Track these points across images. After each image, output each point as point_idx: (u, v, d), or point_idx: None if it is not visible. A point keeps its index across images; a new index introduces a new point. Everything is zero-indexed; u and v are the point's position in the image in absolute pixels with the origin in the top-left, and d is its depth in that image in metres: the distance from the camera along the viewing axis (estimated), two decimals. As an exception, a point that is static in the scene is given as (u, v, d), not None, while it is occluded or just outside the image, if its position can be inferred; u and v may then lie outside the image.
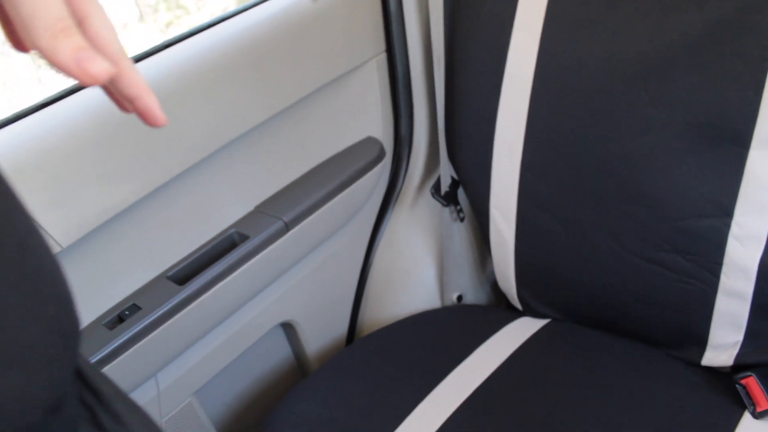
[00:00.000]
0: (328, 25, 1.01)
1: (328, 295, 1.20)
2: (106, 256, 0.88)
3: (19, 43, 0.38)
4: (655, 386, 0.94)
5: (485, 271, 1.30)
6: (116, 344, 0.86)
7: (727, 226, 0.84)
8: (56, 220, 0.79)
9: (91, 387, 0.42)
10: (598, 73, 0.88)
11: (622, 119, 0.88)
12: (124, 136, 0.83)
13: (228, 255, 0.95)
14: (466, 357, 1.02)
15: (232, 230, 0.99)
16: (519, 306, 1.14)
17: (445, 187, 1.16)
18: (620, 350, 1.01)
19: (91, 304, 0.88)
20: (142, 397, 0.95)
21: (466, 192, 1.14)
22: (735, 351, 0.93)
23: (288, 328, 1.18)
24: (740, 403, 0.90)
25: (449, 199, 1.17)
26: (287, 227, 1.00)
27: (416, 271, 1.23)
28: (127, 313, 0.89)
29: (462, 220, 1.20)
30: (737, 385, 0.90)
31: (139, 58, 0.89)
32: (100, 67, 0.33)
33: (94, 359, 0.84)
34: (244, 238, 0.98)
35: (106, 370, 0.86)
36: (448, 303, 1.25)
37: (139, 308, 0.89)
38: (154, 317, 0.88)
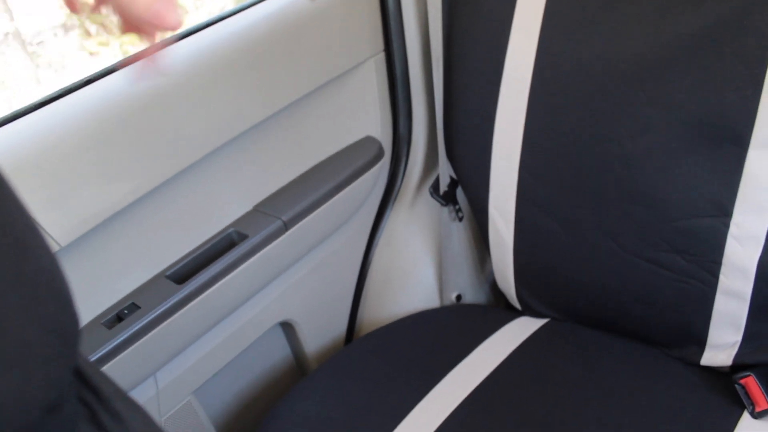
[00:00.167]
0: (326, 25, 1.01)
1: (327, 294, 1.20)
2: (104, 255, 0.88)
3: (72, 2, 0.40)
4: (654, 386, 0.95)
5: (484, 270, 1.30)
6: (115, 343, 0.86)
7: (726, 226, 0.84)
8: (55, 219, 0.79)
9: (90, 386, 0.42)
10: (596, 74, 0.88)
11: (621, 119, 0.88)
12: (122, 135, 0.83)
13: (227, 254, 0.95)
14: (465, 357, 1.02)
15: (231, 229, 0.99)
16: (518, 306, 1.14)
17: (443, 187, 1.16)
18: (619, 350, 1.01)
19: (90, 303, 0.88)
20: (141, 396, 0.95)
21: (465, 191, 1.14)
22: (734, 351, 0.93)
23: (287, 327, 1.18)
24: (739, 403, 0.90)
25: (448, 198, 1.17)
26: (286, 226, 1.00)
27: (415, 270, 1.23)
28: (126, 312, 0.89)
29: (461, 219, 1.20)
30: (736, 385, 0.90)
31: (137, 58, 0.89)
32: (174, 19, 0.35)
33: (93, 358, 0.84)
34: (243, 237, 0.98)
35: (105, 369, 0.86)
36: (447, 302, 1.25)
37: (138, 307, 0.89)
38: (153, 316, 0.88)
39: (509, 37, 0.95)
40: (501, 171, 1.01)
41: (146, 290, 0.92)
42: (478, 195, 1.07)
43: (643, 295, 0.96)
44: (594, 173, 0.92)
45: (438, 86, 1.06)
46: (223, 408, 1.14)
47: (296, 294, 1.13)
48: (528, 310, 1.13)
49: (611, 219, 0.93)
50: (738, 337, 0.91)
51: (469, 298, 1.27)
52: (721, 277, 0.87)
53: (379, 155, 1.13)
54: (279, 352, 1.21)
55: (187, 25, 0.96)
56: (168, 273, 0.94)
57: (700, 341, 0.95)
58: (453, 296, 1.24)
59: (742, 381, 0.89)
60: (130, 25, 0.39)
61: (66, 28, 1.53)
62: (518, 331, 1.07)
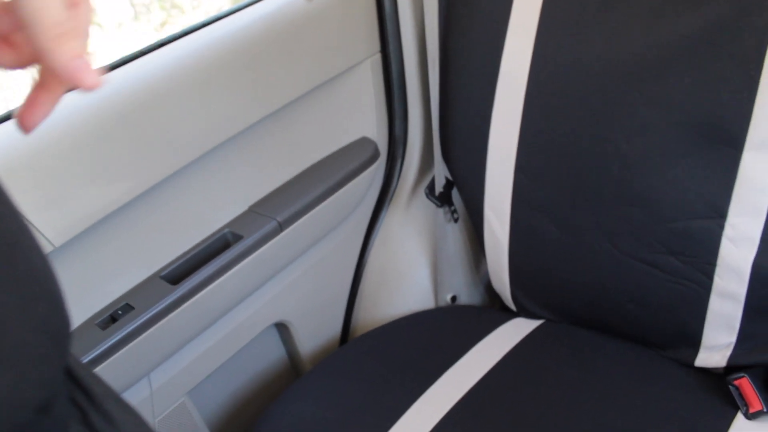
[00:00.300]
0: (322, 25, 1.01)
1: (322, 295, 1.20)
2: (99, 256, 0.88)
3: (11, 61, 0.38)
4: (649, 387, 0.95)
5: (479, 271, 1.30)
6: (109, 344, 0.85)
7: (721, 227, 0.85)
8: (49, 220, 0.79)
9: (82, 387, 0.42)
10: (592, 74, 0.88)
11: (617, 120, 0.88)
12: (117, 135, 0.83)
13: (221, 255, 0.95)
14: (459, 358, 1.02)
15: (226, 230, 0.99)
16: (513, 307, 1.14)
17: (439, 188, 1.16)
18: (614, 351, 1.01)
19: (83, 303, 0.88)
20: (134, 396, 0.95)
21: (461, 193, 1.14)
22: (728, 352, 0.93)
23: (282, 328, 1.18)
24: (733, 404, 0.90)
25: (443, 199, 1.17)
26: (281, 227, 1.00)
27: (410, 271, 1.23)
28: (120, 312, 0.89)
29: (456, 220, 1.20)
30: (730, 386, 0.90)
31: (133, 57, 0.89)
32: (93, 78, 0.34)
33: (86, 359, 0.84)
34: (238, 238, 0.98)
35: (99, 369, 0.86)
36: (442, 304, 1.25)
37: (132, 308, 0.89)
38: (147, 317, 0.88)
39: (505, 38, 0.95)
40: (496, 172, 1.01)
41: (140, 291, 0.91)
42: (474, 196, 1.07)
43: (638, 296, 0.96)
44: (590, 174, 0.92)
45: (434, 87, 1.06)
46: (218, 409, 1.14)
47: (291, 295, 1.12)
48: (523, 311, 1.13)
49: (607, 220, 0.93)
50: (732, 338, 0.91)
51: (464, 299, 1.27)
52: (716, 279, 0.88)
53: (375, 156, 1.13)
54: (273, 353, 1.21)
55: (184, 25, 0.96)
56: (162, 274, 0.93)
57: (694, 342, 0.95)
58: (448, 297, 1.24)
59: (736, 382, 0.90)
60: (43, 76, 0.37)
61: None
62: (513, 332, 1.07)
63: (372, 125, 1.14)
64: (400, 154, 1.20)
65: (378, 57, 1.11)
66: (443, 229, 1.20)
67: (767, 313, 0.88)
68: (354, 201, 1.14)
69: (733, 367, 0.93)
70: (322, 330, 1.23)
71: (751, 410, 0.88)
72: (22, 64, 0.37)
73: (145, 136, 0.86)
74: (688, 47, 0.81)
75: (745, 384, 0.89)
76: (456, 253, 1.23)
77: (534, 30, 0.92)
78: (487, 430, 0.91)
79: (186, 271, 0.94)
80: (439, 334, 1.10)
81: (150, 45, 0.91)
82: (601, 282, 0.98)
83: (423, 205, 1.22)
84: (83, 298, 0.88)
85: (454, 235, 1.22)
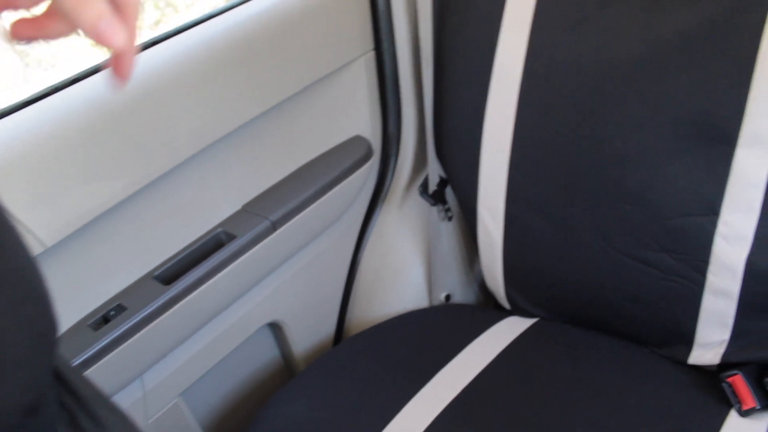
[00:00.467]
0: (316, 23, 1.01)
1: (316, 294, 1.20)
2: (91, 256, 0.87)
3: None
4: (643, 385, 0.95)
5: (473, 270, 1.30)
6: (101, 345, 0.85)
7: (714, 224, 0.85)
8: (41, 219, 0.78)
9: (70, 389, 0.41)
10: (587, 72, 0.88)
11: (612, 118, 0.88)
12: (109, 134, 0.83)
13: (215, 254, 0.95)
14: (453, 357, 1.02)
15: (219, 229, 0.99)
16: (507, 305, 1.14)
17: (433, 186, 1.15)
18: (608, 349, 1.01)
19: (76, 304, 0.88)
20: (127, 398, 0.94)
21: (455, 191, 1.14)
22: (721, 349, 0.93)
23: (275, 328, 1.18)
24: (726, 402, 0.90)
25: (437, 198, 1.16)
26: (274, 227, 1.00)
27: (404, 270, 1.23)
28: (112, 313, 0.88)
29: (450, 219, 1.19)
30: (723, 384, 0.90)
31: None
32: (118, 38, 0.34)
33: (78, 360, 0.84)
34: (231, 237, 0.97)
35: (91, 371, 0.85)
36: (436, 302, 1.25)
37: (124, 308, 0.89)
38: (139, 317, 0.88)
39: (499, 36, 0.95)
40: (490, 170, 1.01)
41: (133, 291, 0.91)
42: (468, 194, 1.07)
43: (632, 294, 0.96)
44: (585, 172, 0.92)
45: (428, 85, 1.06)
46: (211, 410, 1.13)
47: (285, 294, 1.12)
48: (517, 310, 1.13)
49: (601, 218, 0.93)
50: (726, 335, 0.91)
51: (458, 297, 1.27)
52: (709, 276, 0.88)
53: (369, 155, 1.13)
54: (267, 353, 1.21)
55: (178, 24, 0.96)
56: (155, 274, 0.93)
57: (688, 340, 0.95)
58: (442, 296, 1.24)
59: (729, 379, 0.90)
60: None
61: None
62: (507, 330, 1.07)
63: (365, 123, 1.14)
64: (394, 152, 1.19)
65: (372, 55, 1.11)
66: (437, 227, 1.19)
67: (760, 311, 0.88)
68: (347, 200, 1.14)
69: (726, 365, 0.93)
70: (315, 329, 1.23)
71: (745, 407, 0.88)
72: (67, 33, 0.37)
73: (137, 134, 0.85)
74: (683, 45, 0.81)
75: (739, 381, 0.89)
76: (450, 251, 1.23)
77: (528, 27, 0.92)
78: (481, 429, 0.91)
79: (179, 271, 0.94)
80: (433, 333, 1.10)
81: (142, 43, 0.91)
82: (595, 280, 0.98)
83: (417, 203, 1.22)
84: (75, 299, 0.88)
85: (448, 233, 1.22)
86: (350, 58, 1.08)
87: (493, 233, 1.05)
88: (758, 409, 0.87)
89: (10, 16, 0.38)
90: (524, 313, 1.12)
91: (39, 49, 1.51)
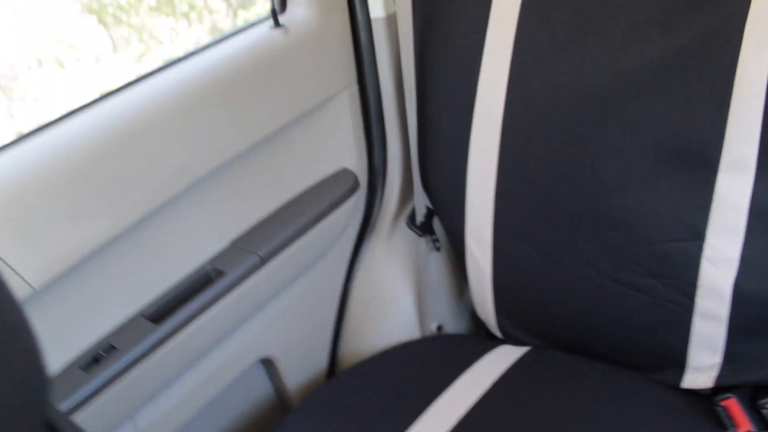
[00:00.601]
0: (298, 58, 1.02)
1: (307, 328, 1.19)
2: (79, 296, 0.87)
3: None
4: (637, 411, 0.94)
5: (463, 299, 1.30)
6: (92, 386, 0.84)
7: (700, 248, 0.85)
8: (27, 261, 0.78)
9: None
10: (566, 100, 0.89)
11: (592, 145, 0.88)
12: (95, 173, 0.83)
13: (204, 291, 0.95)
14: (447, 388, 1.02)
15: (208, 266, 0.98)
16: (499, 334, 1.14)
17: (420, 217, 1.16)
18: (601, 375, 1.01)
19: (65, 345, 0.87)
20: (120, 439, 0.93)
21: (442, 221, 1.14)
22: (714, 373, 0.93)
23: (268, 363, 1.17)
24: (722, 426, 0.90)
25: (425, 229, 1.17)
26: (263, 261, 1.00)
27: (394, 301, 1.23)
28: (102, 353, 0.88)
29: (438, 249, 1.20)
30: (717, 407, 0.90)
31: (110, 95, 0.89)
32: None
33: (70, 402, 0.83)
34: (220, 273, 0.97)
35: (82, 413, 0.84)
36: (427, 333, 1.24)
37: (115, 348, 0.88)
38: (130, 357, 0.87)
39: (480, 67, 0.96)
40: (476, 200, 1.01)
41: (123, 330, 0.90)
42: (455, 225, 1.07)
43: (622, 320, 0.96)
44: (568, 199, 0.93)
45: (411, 117, 1.07)
46: None
47: (276, 329, 1.12)
48: (509, 338, 1.13)
49: (587, 244, 0.93)
50: (717, 359, 0.91)
51: (449, 327, 1.27)
52: (698, 300, 0.88)
53: (355, 187, 1.13)
54: (260, 390, 1.20)
55: (163, 57, 0.96)
56: (145, 312, 0.92)
57: (680, 364, 0.95)
58: (433, 326, 1.24)
59: (723, 403, 0.90)
60: None
61: (40, 61, 1.53)
62: (500, 360, 1.07)
63: (351, 156, 1.15)
64: (380, 184, 1.20)
65: (355, 88, 1.12)
66: (426, 258, 1.19)
67: (750, 334, 0.88)
68: (335, 232, 1.14)
69: (720, 388, 0.93)
70: (308, 363, 1.22)
71: (740, 431, 0.88)
72: None
73: (123, 173, 0.85)
74: (659, 72, 0.82)
75: (733, 405, 0.89)
76: (439, 282, 1.23)
77: (509, 58, 0.93)
78: (476, 461, 0.90)
79: (169, 309, 0.93)
80: (426, 365, 1.10)
81: (125, 82, 0.91)
82: (585, 307, 0.98)
83: (405, 234, 1.22)
84: (65, 340, 0.87)
85: (437, 264, 1.22)
86: (334, 91, 1.09)
87: (481, 263, 1.06)
88: (753, 432, 0.87)
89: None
90: (516, 342, 1.11)
91: (23, 83, 1.52)
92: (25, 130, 0.84)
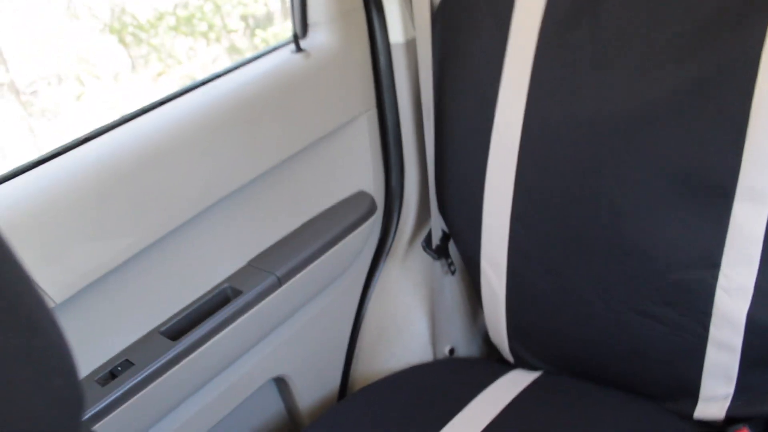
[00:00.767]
0: (319, 82, 1.03)
1: (321, 348, 1.20)
2: (99, 312, 0.88)
3: None
4: (648, 439, 0.94)
5: (477, 323, 1.30)
6: (108, 401, 0.85)
7: (715, 278, 0.85)
8: (50, 277, 0.79)
9: None
10: (583, 130, 0.90)
11: (608, 174, 0.89)
12: (118, 192, 0.84)
13: (221, 310, 0.96)
14: (459, 411, 1.02)
15: (226, 285, 0.99)
16: (511, 359, 1.14)
17: (436, 241, 1.17)
18: (613, 403, 1.01)
19: (83, 360, 0.88)
20: (133, 454, 0.94)
21: (457, 245, 1.15)
22: (726, 403, 0.93)
23: (280, 382, 1.18)
24: (733, 456, 0.90)
25: (440, 252, 1.17)
26: (280, 282, 1.01)
27: (408, 324, 1.23)
28: (119, 368, 0.89)
29: (453, 273, 1.20)
30: (730, 438, 0.90)
31: (133, 116, 0.91)
32: None
33: (86, 416, 0.84)
34: (238, 293, 0.98)
35: (98, 427, 0.85)
36: (440, 356, 1.25)
37: (131, 364, 0.89)
38: (146, 373, 0.88)
39: (498, 94, 0.97)
40: (492, 225, 1.02)
41: (140, 347, 0.91)
42: (470, 249, 1.08)
43: (635, 348, 0.96)
44: (584, 227, 0.93)
45: (429, 141, 1.08)
46: None
47: (290, 349, 1.12)
48: (521, 363, 1.13)
49: (601, 272, 0.94)
50: (730, 389, 0.91)
51: (462, 351, 1.27)
52: (712, 329, 0.88)
53: (372, 210, 1.14)
54: (272, 408, 1.20)
55: (181, 76, 0.98)
56: (162, 329, 0.93)
57: (692, 393, 0.95)
58: (446, 350, 1.24)
59: (736, 432, 0.90)
60: None
61: (60, 78, 1.56)
62: (511, 384, 1.07)
63: (368, 179, 1.16)
64: (397, 207, 1.21)
65: (374, 112, 1.13)
66: (440, 281, 1.20)
67: (764, 364, 0.88)
68: (351, 255, 1.15)
69: (732, 419, 0.93)
70: (320, 384, 1.23)
71: (752, 461, 0.87)
72: None
73: (145, 193, 0.87)
74: (675, 103, 0.83)
75: (745, 435, 0.89)
76: (453, 305, 1.23)
77: (526, 85, 0.94)
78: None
79: (186, 327, 0.94)
80: (438, 388, 1.10)
81: (148, 104, 0.93)
82: (597, 333, 0.99)
83: (420, 257, 1.23)
84: (83, 354, 0.88)
85: (451, 287, 1.22)
86: (353, 115, 1.10)
87: (496, 287, 1.06)
88: (765, 463, 0.87)
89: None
90: (528, 366, 1.12)
91: (43, 99, 1.54)
92: (44, 145, 0.85)
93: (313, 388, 1.21)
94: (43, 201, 0.79)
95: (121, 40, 1.65)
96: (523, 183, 0.97)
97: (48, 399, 0.35)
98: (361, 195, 1.15)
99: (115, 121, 0.90)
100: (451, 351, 1.25)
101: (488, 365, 1.17)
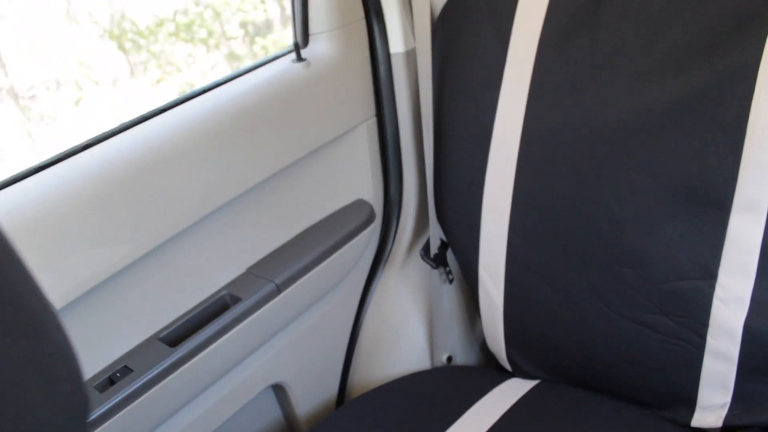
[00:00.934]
0: (319, 91, 1.03)
1: (319, 356, 1.20)
2: (98, 318, 0.88)
3: None
4: (645, 448, 0.95)
5: (474, 332, 1.31)
6: (107, 407, 0.85)
7: (712, 288, 0.86)
8: (49, 283, 0.79)
9: None
10: (582, 139, 0.91)
11: (607, 184, 0.90)
12: (117, 199, 0.84)
13: (220, 317, 0.96)
14: (456, 420, 1.02)
15: (224, 292, 1.00)
16: (508, 367, 1.14)
17: (434, 249, 1.17)
18: (610, 411, 1.02)
19: (82, 366, 0.88)
20: (131, 461, 0.94)
21: (455, 254, 1.15)
22: (724, 412, 0.93)
23: (278, 389, 1.18)
24: (730, 465, 0.90)
25: (438, 261, 1.18)
26: (279, 289, 1.01)
27: (406, 332, 1.24)
28: (118, 375, 0.89)
29: (451, 281, 1.21)
30: (726, 447, 0.90)
31: (134, 124, 0.91)
32: None
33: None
34: (236, 300, 0.98)
35: (97, 433, 0.85)
36: (438, 364, 1.25)
37: (130, 370, 0.89)
38: (145, 380, 0.88)
39: (498, 103, 0.97)
40: (490, 234, 1.03)
41: (139, 353, 0.91)
42: (468, 257, 1.08)
43: (632, 357, 0.96)
44: (582, 236, 0.94)
45: (428, 150, 1.08)
46: None
47: (288, 356, 1.12)
48: (518, 371, 1.13)
49: (599, 281, 0.94)
50: (727, 398, 0.92)
51: (459, 359, 1.27)
52: (709, 339, 0.89)
53: (371, 218, 1.15)
54: (270, 415, 1.20)
55: (180, 82, 0.98)
56: (161, 336, 0.94)
57: (689, 402, 0.95)
58: (444, 358, 1.24)
59: (732, 442, 0.90)
60: None
61: (59, 83, 1.56)
62: (509, 393, 1.07)
63: (368, 188, 1.16)
64: (396, 215, 1.21)
65: (373, 121, 1.14)
66: (438, 290, 1.20)
67: (761, 374, 0.89)
68: (350, 263, 1.15)
69: (729, 428, 0.93)
70: (318, 391, 1.23)
71: (748, 471, 0.88)
72: None
73: (145, 200, 0.87)
74: (673, 113, 0.84)
75: (742, 444, 0.89)
76: (451, 313, 1.24)
77: (525, 95, 0.95)
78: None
79: (185, 334, 0.94)
80: (435, 396, 1.10)
81: (149, 112, 0.93)
82: (595, 342, 0.99)
83: (418, 266, 1.23)
84: (81, 360, 0.88)
85: (449, 295, 1.23)
86: (353, 124, 1.10)
87: (493, 296, 1.06)
88: (762, 472, 0.87)
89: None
90: (526, 375, 1.12)
91: (41, 103, 1.54)
92: (43, 150, 0.86)
93: (311, 395, 1.21)
94: (43, 207, 0.80)
95: (121, 47, 1.65)
96: (522, 192, 0.97)
97: (56, 406, 0.35)
98: (360, 203, 1.15)
99: (115, 128, 0.90)
100: (449, 359, 1.25)
101: (486, 373, 1.17)
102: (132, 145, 0.88)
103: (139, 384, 0.88)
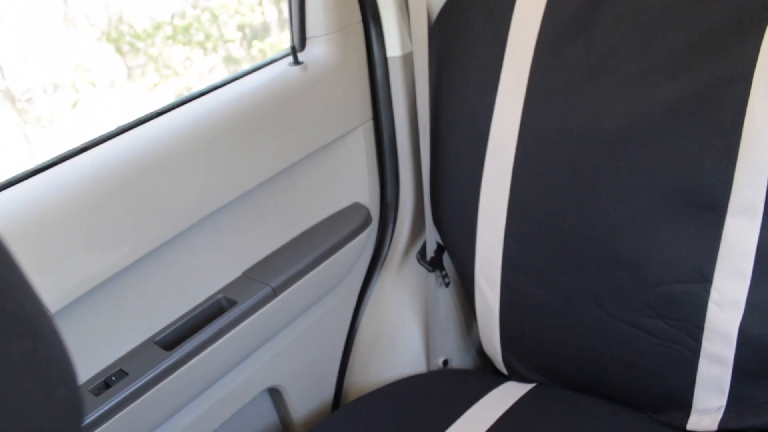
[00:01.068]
0: (316, 95, 1.04)
1: (315, 359, 1.20)
2: (93, 322, 0.88)
3: None
4: (641, 452, 0.95)
5: (470, 335, 1.31)
6: (102, 411, 0.85)
7: (707, 291, 0.86)
8: (44, 286, 0.79)
9: None
10: (578, 142, 0.91)
11: (602, 186, 0.90)
12: (114, 202, 0.84)
13: (216, 320, 0.96)
14: (452, 423, 1.02)
15: (220, 295, 1.00)
16: (504, 370, 1.14)
17: (430, 253, 1.17)
18: (606, 415, 1.02)
19: (77, 369, 0.88)
20: (127, 465, 0.94)
21: (452, 257, 1.15)
22: (719, 416, 0.93)
23: (274, 393, 1.18)
24: (726, 469, 0.90)
25: (435, 264, 1.18)
26: (275, 293, 1.01)
27: (402, 336, 1.24)
28: (113, 378, 0.89)
29: (447, 285, 1.21)
30: (722, 450, 0.90)
31: (130, 126, 0.91)
32: None
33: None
34: (232, 303, 0.98)
35: (91, 437, 0.85)
36: (434, 367, 1.25)
37: (126, 374, 0.89)
38: (140, 383, 0.88)
39: (494, 106, 0.97)
40: (487, 237, 1.03)
41: (134, 356, 0.91)
42: (465, 261, 1.08)
43: (628, 360, 0.96)
44: (577, 239, 0.94)
45: (425, 153, 1.08)
46: None
47: (284, 359, 1.12)
48: (514, 375, 1.13)
49: (595, 284, 0.94)
50: (722, 401, 0.92)
51: (455, 362, 1.27)
52: (704, 342, 0.89)
53: (367, 222, 1.15)
54: (266, 419, 1.20)
55: (177, 86, 0.98)
56: (157, 339, 0.93)
57: (685, 406, 0.95)
58: (440, 361, 1.24)
59: (727, 446, 0.90)
60: None
61: (56, 85, 1.56)
62: (505, 396, 1.07)
63: (364, 191, 1.16)
64: (392, 219, 1.21)
65: (370, 124, 1.14)
66: (434, 293, 1.20)
67: (756, 377, 0.89)
68: (346, 266, 1.15)
69: (725, 431, 0.93)
70: (314, 394, 1.23)
71: (744, 474, 0.88)
72: None
73: (141, 203, 0.87)
74: (669, 117, 0.84)
75: (737, 447, 0.89)
76: (447, 317, 1.24)
77: (522, 98, 0.95)
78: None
79: (180, 337, 0.94)
80: (431, 400, 1.10)
81: (146, 114, 0.93)
82: (591, 346, 0.99)
83: (414, 269, 1.23)
84: (77, 364, 0.88)
85: (446, 299, 1.23)
86: (349, 127, 1.10)
87: (489, 299, 1.06)
88: (757, 476, 0.88)
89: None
90: (522, 378, 1.12)
91: (38, 106, 1.54)
92: (40, 153, 0.85)
93: (307, 398, 1.21)
94: (38, 210, 0.79)
95: (118, 49, 1.65)
96: (518, 195, 0.98)
97: (50, 410, 0.35)
98: (356, 207, 1.15)
99: (112, 131, 0.90)
100: (445, 362, 1.25)
101: (482, 377, 1.17)
102: (128, 148, 0.88)
103: (134, 387, 0.87)
